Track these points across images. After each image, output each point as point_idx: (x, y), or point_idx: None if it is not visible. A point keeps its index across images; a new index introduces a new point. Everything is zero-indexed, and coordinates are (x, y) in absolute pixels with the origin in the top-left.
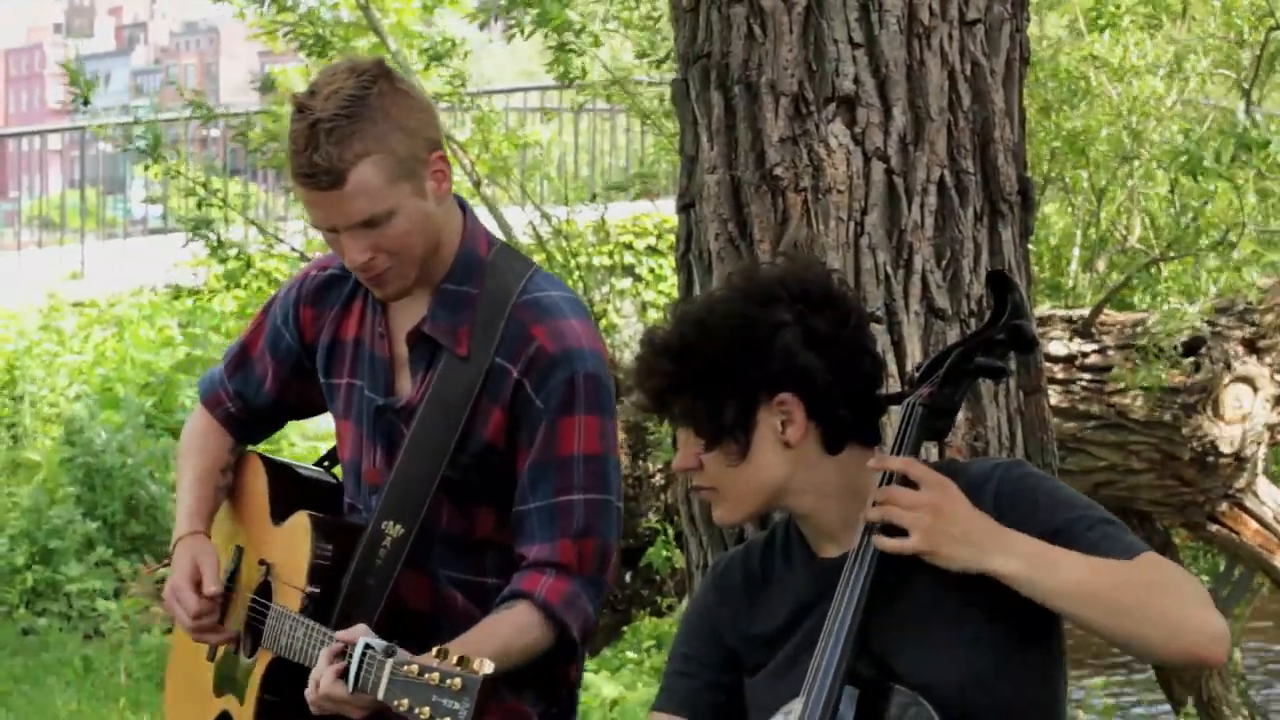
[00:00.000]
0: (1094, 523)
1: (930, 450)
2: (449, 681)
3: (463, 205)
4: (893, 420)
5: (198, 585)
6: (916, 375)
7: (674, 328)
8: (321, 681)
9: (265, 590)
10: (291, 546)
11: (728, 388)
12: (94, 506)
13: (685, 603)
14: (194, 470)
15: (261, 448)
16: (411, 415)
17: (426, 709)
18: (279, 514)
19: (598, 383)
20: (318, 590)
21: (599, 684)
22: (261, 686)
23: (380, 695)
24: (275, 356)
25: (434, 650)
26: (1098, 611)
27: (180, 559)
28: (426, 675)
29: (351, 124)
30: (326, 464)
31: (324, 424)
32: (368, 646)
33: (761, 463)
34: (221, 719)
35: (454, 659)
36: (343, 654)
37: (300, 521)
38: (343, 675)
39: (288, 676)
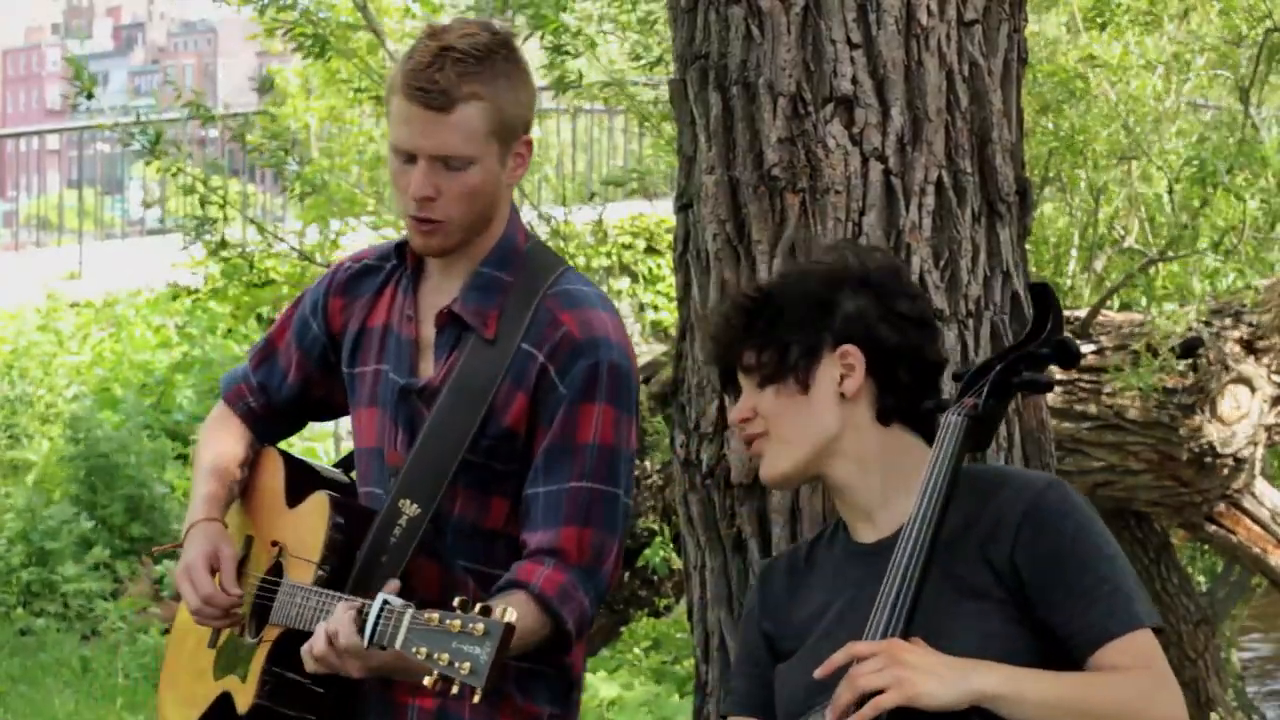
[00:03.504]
0: (1108, 579)
1: None
2: (471, 627)
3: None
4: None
5: (214, 570)
6: (956, 387)
7: (758, 287)
8: (341, 633)
9: (276, 571)
10: (307, 525)
11: (797, 331)
12: (94, 506)
13: (682, 603)
14: (210, 461)
15: None
16: (434, 397)
17: (445, 655)
18: (294, 499)
19: (620, 375)
20: (332, 564)
21: (596, 684)
22: (268, 660)
23: (398, 645)
24: (301, 347)
25: (455, 601)
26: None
27: (197, 541)
28: (447, 623)
29: (478, 65)
30: (342, 469)
31: (320, 424)
32: (385, 602)
33: (816, 406)
34: (222, 700)
35: (476, 609)
36: (360, 611)
37: (318, 499)
38: (359, 630)
39: (295, 649)
